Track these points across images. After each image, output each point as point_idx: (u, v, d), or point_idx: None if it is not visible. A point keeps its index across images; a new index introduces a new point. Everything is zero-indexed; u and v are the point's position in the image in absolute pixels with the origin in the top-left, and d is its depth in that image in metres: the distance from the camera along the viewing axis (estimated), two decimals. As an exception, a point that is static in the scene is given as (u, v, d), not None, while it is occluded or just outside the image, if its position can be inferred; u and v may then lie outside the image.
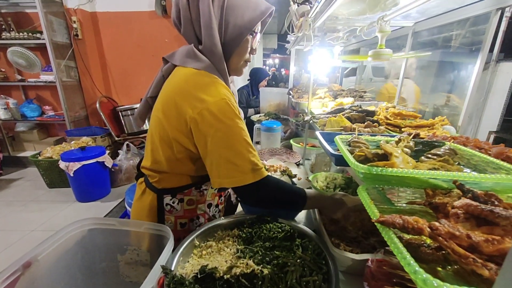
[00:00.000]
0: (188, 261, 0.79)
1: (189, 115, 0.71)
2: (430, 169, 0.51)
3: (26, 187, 3.19)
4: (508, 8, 0.99)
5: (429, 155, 0.62)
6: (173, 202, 0.89)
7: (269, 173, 1.15)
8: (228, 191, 1.10)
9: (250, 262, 0.74)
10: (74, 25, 3.45)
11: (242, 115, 0.91)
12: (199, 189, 0.91)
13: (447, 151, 0.62)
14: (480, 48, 1.04)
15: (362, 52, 2.88)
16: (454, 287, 0.26)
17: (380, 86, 2.96)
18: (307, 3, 1.23)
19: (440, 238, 0.33)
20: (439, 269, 0.34)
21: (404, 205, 0.52)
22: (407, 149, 0.64)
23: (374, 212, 0.41)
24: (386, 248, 0.71)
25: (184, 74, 0.77)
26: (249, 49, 0.83)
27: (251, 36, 0.80)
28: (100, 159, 2.77)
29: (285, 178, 1.35)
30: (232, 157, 0.72)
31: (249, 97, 3.25)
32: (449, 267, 0.34)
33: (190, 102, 0.71)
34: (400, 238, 0.37)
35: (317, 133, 0.90)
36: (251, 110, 3.10)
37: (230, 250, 0.82)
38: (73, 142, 3.16)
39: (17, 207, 2.72)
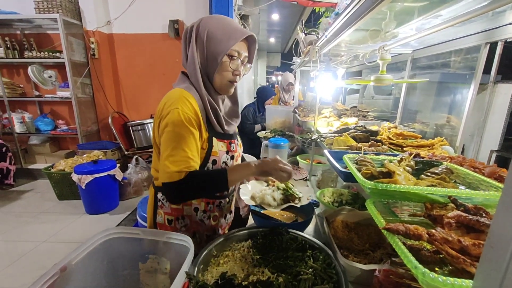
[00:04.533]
0: (207, 269, 0.86)
1: (158, 121, 0.91)
2: (428, 186, 0.59)
3: (36, 199, 3.27)
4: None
5: (428, 173, 0.70)
6: (163, 199, 1.03)
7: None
8: (221, 201, 1.10)
9: (266, 270, 0.80)
10: (92, 46, 3.68)
11: (230, 124, 1.04)
12: None
13: (444, 170, 0.69)
14: (473, 75, 1.14)
15: (364, 73, 3.02)
16: (447, 278, 0.33)
17: (382, 104, 3.08)
18: (314, 33, 1.35)
19: (436, 242, 0.41)
20: (437, 269, 0.41)
21: (407, 217, 0.59)
22: (408, 168, 0.72)
23: (380, 221, 0.49)
24: (393, 259, 0.77)
25: (168, 93, 0.95)
26: (229, 70, 0.95)
27: (229, 59, 0.94)
28: (111, 172, 2.86)
29: (277, 195, 1.12)
30: (164, 158, 0.86)
31: (255, 114, 3.37)
32: (445, 267, 0.41)
33: (159, 112, 0.91)
34: (404, 243, 0.44)
35: (326, 151, 0.98)
36: (257, 126, 3.21)
37: (246, 260, 0.88)
38: (85, 155, 3.27)
39: (28, 218, 2.78)
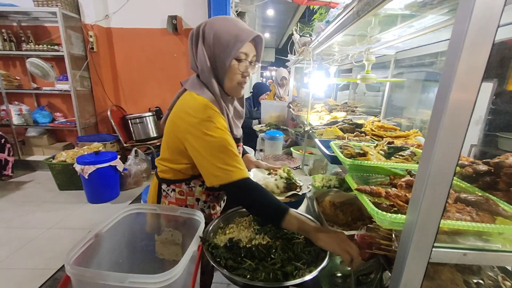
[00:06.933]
0: (216, 237, 1.02)
1: (183, 127, 0.94)
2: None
3: (37, 189, 3.35)
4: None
5: (397, 156, 0.87)
6: (168, 190, 1.12)
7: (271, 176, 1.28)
8: (219, 193, 1.19)
9: (266, 236, 0.97)
10: (90, 39, 3.73)
11: (237, 127, 1.11)
12: (189, 185, 1.10)
13: (409, 153, 0.87)
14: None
15: (355, 70, 3.20)
16: (392, 215, 0.50)
17: (372, 100, 3.27)
18: (308, 35, 1.50)
19: (390, 197, 0.57)
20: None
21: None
22: (382, 152, 0.89)
23: (353, 185, 0.66)
24: (368, 226, 0.95)
25: (188, 96, 0.99)
26: (238, 73, 0.98)
27: (237, 62, 0.96)
28: (112, 163, 2.97)
29: (280, 183, 1.22)
30: (216, 162, 0.90)
31: (251, 108, 3.52)
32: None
33: (184, 118, 0.93)
34: (370, 201, 0.61)
35: (316, 140, 1.15)
36: (255, 121, 3.35)
37: (248, 230, 1.05)
38: (85, 147, 3.36)
39: (31, 207, 2.87)
